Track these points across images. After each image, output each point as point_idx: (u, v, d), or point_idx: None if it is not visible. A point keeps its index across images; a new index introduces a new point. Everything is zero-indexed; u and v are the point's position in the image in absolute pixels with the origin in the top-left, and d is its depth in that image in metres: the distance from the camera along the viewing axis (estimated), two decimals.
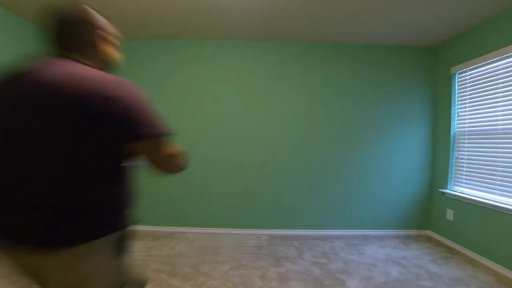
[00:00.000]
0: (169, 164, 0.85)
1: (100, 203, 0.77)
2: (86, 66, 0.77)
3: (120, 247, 0.81)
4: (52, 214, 0.71)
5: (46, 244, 0.72)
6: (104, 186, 0.77)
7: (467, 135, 2.69)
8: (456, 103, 2.85)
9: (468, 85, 2.70)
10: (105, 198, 0.78)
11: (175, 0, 2.23)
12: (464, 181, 2.71)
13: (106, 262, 0.79)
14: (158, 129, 0.78)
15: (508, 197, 2.24)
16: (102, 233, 0.77)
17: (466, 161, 2.70)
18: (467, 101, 2.71)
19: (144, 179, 3.04)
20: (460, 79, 2.80)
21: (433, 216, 3.06)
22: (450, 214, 2.79)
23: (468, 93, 2.70)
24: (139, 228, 3.05)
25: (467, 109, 2.71)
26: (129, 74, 3.10)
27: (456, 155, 2.82)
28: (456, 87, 2.84)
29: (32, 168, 0.71)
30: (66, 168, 0.71)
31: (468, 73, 2.70)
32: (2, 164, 0.74)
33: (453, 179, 2.85)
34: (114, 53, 0.94)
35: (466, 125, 2.71)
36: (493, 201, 2.32)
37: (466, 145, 2.70)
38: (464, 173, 2.71)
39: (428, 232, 3.10)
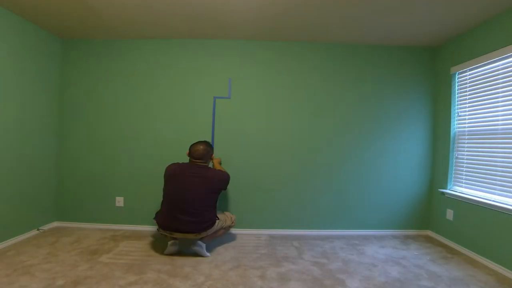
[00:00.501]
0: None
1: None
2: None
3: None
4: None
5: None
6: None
7: (467, 135, 2.69)
8: (456, 103, 2.85)
9: (468, 85, 2.70)
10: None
11: (177, 0, 2.24)
12: (464, 181, 2.71)
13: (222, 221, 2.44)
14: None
15: (508, 197, 2.24)
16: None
17: (466, 161, 2.70)
18: (467, 101, 2.71)
19: (146, 180, 3.05)
20: (460, 79, 2.80)
21: (433, 216, 3.06)
22: (450, 214, 2.79)
23: (468, 93, 2.70)
24: (139, 228, 3.05)
25: (467, 109, 2.71)
26: (133, 74, 3.10)
27: (456, 155, 2.82)
28: (456, 87, 2.84)
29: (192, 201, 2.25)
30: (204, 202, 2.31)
31: (468, 73, 2.70)
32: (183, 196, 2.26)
33: (453, 179, 2.86)
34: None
35: (466, 125, 2.71)
36: (493, 201, 2.32)
37: (466, 145, 2.70)
38: (464, 173, 2.71)
39: (428, 232, 3.10)
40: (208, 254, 2.38)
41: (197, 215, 2.22)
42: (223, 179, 2.41)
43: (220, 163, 2.79)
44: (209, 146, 2.47)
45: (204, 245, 2.35)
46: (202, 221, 2.24)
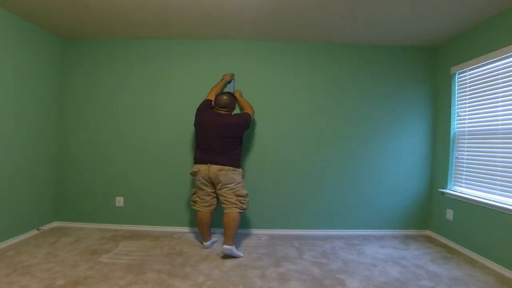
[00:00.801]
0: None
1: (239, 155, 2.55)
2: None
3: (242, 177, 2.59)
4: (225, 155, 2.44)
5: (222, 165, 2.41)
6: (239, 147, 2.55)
7: (467, 135, 2.69)
8: (456, 103, 2.85)
9: (468, 85, 2.70)
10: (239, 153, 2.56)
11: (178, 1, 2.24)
12: (464, 181, 2.71)
13: (240, 177, 2.50)
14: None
15: (508, 197, 2.24)
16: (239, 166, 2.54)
17: (466, 161, 2.70)
18: (467, 101, 2.71)
19: (146, 180, 3.05)
20: (460, 79, 2.80)
21: (433, 216, 3.06)
22: (450, 214, 2.79)
23: (468, 93, 2.70)
24: (139, 228, 3.05)
25: (467, 109, 2.71)
26: (136, 74, 3.10)
27: (456, 155, 2.82)
28: (456, 87, 2.84)
29: (221, 142, 2.42)
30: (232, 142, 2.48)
31: (468, 73, 2.70)
32: (213, 140, 2.43)
33: (453, 179, 2.86)
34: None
35: (466, 125, 2.71)
36: (493, 201, 2.32)
37: (466, 145, 2.70)
38: (464, 173, 2.71)
39: (428, 232, 3.10)
40: (241, 254, 2.42)
41: (227, 154, 2.44)
42: (246, 121, 2.53)
43: (241, 95, 2.93)
44: (232, 96, 2.58)
45: (234, 247, 2.36)
46: (230, 159, 2.45)
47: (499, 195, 2.32)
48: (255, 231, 3.02)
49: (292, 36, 2.91)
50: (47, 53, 2.90)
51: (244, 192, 2.47)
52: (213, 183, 2.44)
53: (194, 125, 2.56)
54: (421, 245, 2.78)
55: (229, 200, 2.41)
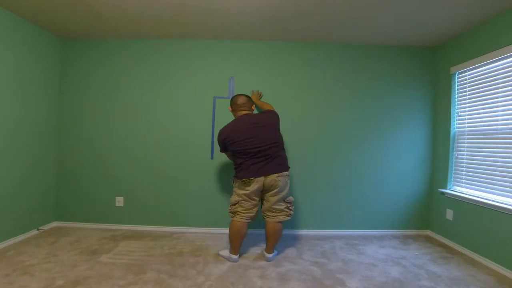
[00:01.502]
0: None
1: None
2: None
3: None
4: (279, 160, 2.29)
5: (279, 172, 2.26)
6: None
7: (467, 135, 2.69)
8: (456, 103, 2.85)
9: (468, 85, 2.70)
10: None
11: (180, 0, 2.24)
12: (463, 181, 2.72)
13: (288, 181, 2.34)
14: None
15: (508, 197, 2.24)
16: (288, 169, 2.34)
17: (465, 161, 2.70)
18: (467, 101, 2.71)
19: (146, 180, 3.05)
20: (460, 79, 2.80)
21: (432, 216, 3.06)
22: (449, 214, 2.79)
23: (467, 93, 2.70)
24: (139, 228, 3.05)
25: (467, 109, 2.71)
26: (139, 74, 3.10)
27: (456, 155, 2.82)
28: (456, 87, 2.85)
29: (268, 143, 2.25)
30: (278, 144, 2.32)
31: (468, 73, 2.70)
32: (256, 144, 2.23)
33: (452, 179, 2.86)
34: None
35: (466, 125, 2.71)
36: (493, 201, 2.32)
37: (466, 145, 2.70)
38: (464, 173, 2.71)
39: (428, 232, 3.10)
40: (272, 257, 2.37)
41: (280, 156, 2.29)
42: (277, 116, 2.42)
43: (260, 98, 2.94)
44: (247, 96, 2.46)
45: (276, 253, 2.38)
46: (284, 161, 2.32)
47: (499, 195, 2.32)
48: (255, 231, 3.01)
49: (293, 36, 2.91)
50: (47, 53, 2.90)
51: (292, 198, 2.39)
52: (263, 191, 2.28)
53: (224, 150, 2.37)
54: (421, 245, 2.78)
55: (277, 208, 2.29)
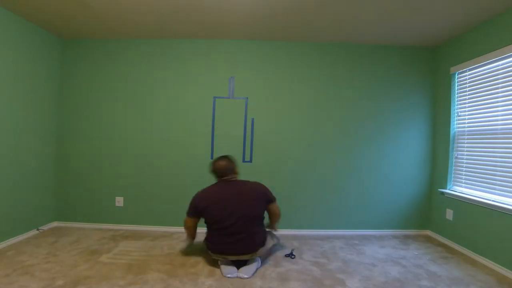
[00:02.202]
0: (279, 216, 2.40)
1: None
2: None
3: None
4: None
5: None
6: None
7: (467, 135, 2.69)
8: (456, 103, 2.85)
9: (467, 85, 2.70)
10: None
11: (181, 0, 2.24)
12: (463, 181, 2.72)
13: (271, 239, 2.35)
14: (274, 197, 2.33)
15: (508, 197, 2.24)
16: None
17: (465, 161, 2.70)
18: (467, 101, 2.71)
19: (146, 180, 3.05)
20: (460, 79, 2.80)
21: (432, 216, 3.06)
22: (449, 214, 2.79)
23: (467, 93, 2.70)
24: (139, 228, 3.05)
25: (467, 109, 2.71)
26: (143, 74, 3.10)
27: (456, 155, 2.82)
28: (456, 87, 2.85)
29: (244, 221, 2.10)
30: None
31: (468, 73, 2.70)
32: (233, 220, 2.07)
33: (452, 179, 2.86)
34: None
35: (466, 125, 2.71)
36: (493, 201, 2.32)
37: (466, 145, 2.70)
38: (464, 173, 2.71)
39: (428, 232, 3.10)
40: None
41: (254, 233, 2.12)
42: (266, 188, 2.28)
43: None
44: (230, 159, 2.30)
45: (260, 260, 2.24)
46: (259, 238, 2.14)
47: (499, 195, 2.32)
48: None
49: (293, 36, 2.91)
50: (47, 53, 2.90)
51: (271, 243, 2.34)
52: None
53: (194, 214, 2.18)
54: (421, 245, 2.78)
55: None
